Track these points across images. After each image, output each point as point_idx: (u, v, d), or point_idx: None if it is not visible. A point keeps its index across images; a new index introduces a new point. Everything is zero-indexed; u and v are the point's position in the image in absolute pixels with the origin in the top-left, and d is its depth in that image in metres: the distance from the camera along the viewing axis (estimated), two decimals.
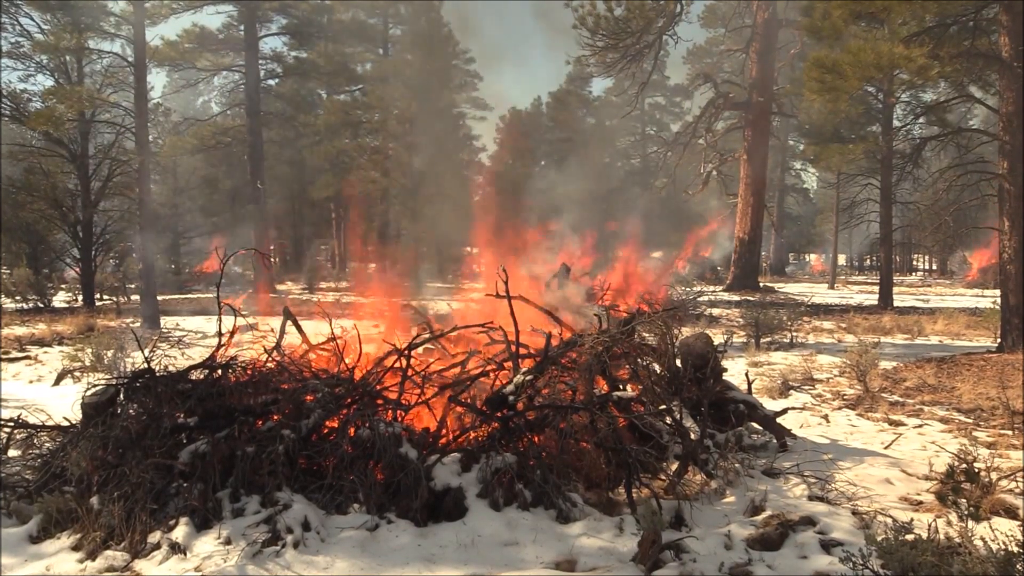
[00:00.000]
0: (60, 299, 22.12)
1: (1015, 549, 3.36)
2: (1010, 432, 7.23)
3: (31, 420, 5.75)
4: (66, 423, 5.58)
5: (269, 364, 5.72)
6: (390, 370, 5.63)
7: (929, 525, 3.78)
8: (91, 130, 20.79)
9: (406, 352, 5.66)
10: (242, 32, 30.24)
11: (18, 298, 20.33)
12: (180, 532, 4.22)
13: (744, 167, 29.12)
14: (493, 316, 6.79)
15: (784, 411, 7.03)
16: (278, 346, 6.20)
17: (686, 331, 8.50)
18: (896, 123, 21.98)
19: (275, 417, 5.08)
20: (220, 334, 5.79)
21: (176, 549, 4.14)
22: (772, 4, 28.09)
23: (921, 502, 5.14)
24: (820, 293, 28.36)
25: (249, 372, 5.45)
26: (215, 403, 5.07)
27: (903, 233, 24.92)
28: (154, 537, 4.24)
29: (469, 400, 5.57)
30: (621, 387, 6.05)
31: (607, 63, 27.76)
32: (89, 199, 20.43)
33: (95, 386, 5.45)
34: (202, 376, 5.34)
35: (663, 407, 5.71)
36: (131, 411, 5.04)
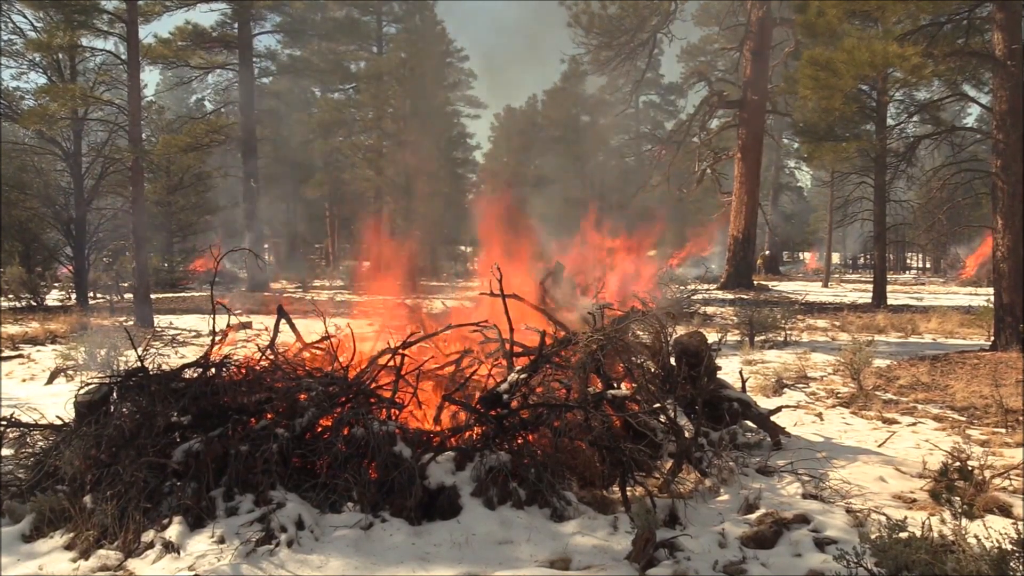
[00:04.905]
0: (53, 297, 22.02)
1: (1009, 547, 3.37)
2: (1003, 430, 7.25)
3: (24, 419, 5.71)
4: (59, 422, 5.55)
5: (263, 363, 5.70)
6: (384, 368, 5.62)
7: (923, 523, 3.78)
8: (84, 128, 20.71)
9: (400, 351, 5.65)
10: (235, 30, 30.14)
11: (11, 297, 20.24)
12: (173, 531, 4.20)
13: (738, 165, 29.14)
14: (490, 315, 6.78)
15: (778, 409, 7.03)
16: (272, 345, 6.18)
17: (680, 330, 8.50)
18: (890, 121, 21.97)
19: (269, 416, 5.07)
20: (214, 333, 5.77)
21: (169, 548, 4.13)
22: (766, 2, 28.10)
23: (915, 500, 5.15)
24: (814, 291, 28.41)
25: (243, 371, 5.43)
26: (209, 402, 5.05)
27: (897, 231, 24.93)
28: (147, 536, 4.22)
29: (463, 399, 5.56)
30: (615, 385, 6.05)
31: (601, 61, 27.86)
32: (82, 197, 20.35)
33: (88, 385, 5.42)
34: (196, 375, 5.31)
35: (657, 405, 5.71)
36: (124, 410, 5.02)
